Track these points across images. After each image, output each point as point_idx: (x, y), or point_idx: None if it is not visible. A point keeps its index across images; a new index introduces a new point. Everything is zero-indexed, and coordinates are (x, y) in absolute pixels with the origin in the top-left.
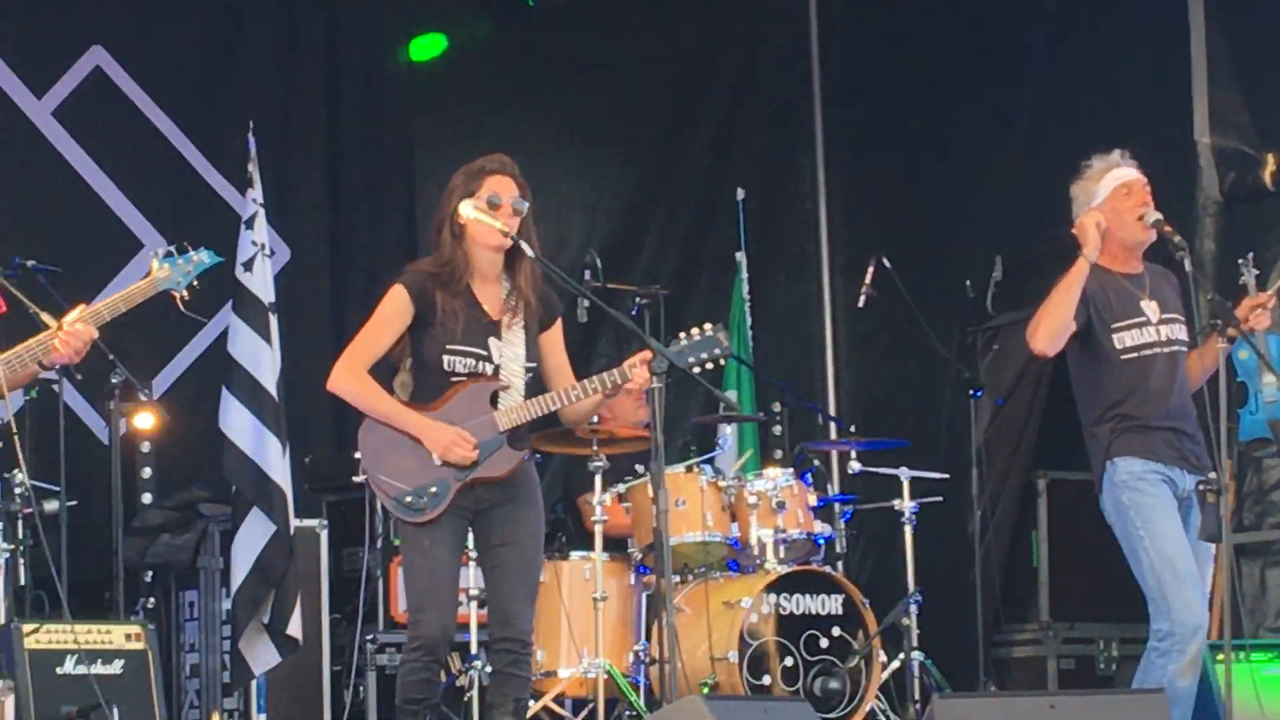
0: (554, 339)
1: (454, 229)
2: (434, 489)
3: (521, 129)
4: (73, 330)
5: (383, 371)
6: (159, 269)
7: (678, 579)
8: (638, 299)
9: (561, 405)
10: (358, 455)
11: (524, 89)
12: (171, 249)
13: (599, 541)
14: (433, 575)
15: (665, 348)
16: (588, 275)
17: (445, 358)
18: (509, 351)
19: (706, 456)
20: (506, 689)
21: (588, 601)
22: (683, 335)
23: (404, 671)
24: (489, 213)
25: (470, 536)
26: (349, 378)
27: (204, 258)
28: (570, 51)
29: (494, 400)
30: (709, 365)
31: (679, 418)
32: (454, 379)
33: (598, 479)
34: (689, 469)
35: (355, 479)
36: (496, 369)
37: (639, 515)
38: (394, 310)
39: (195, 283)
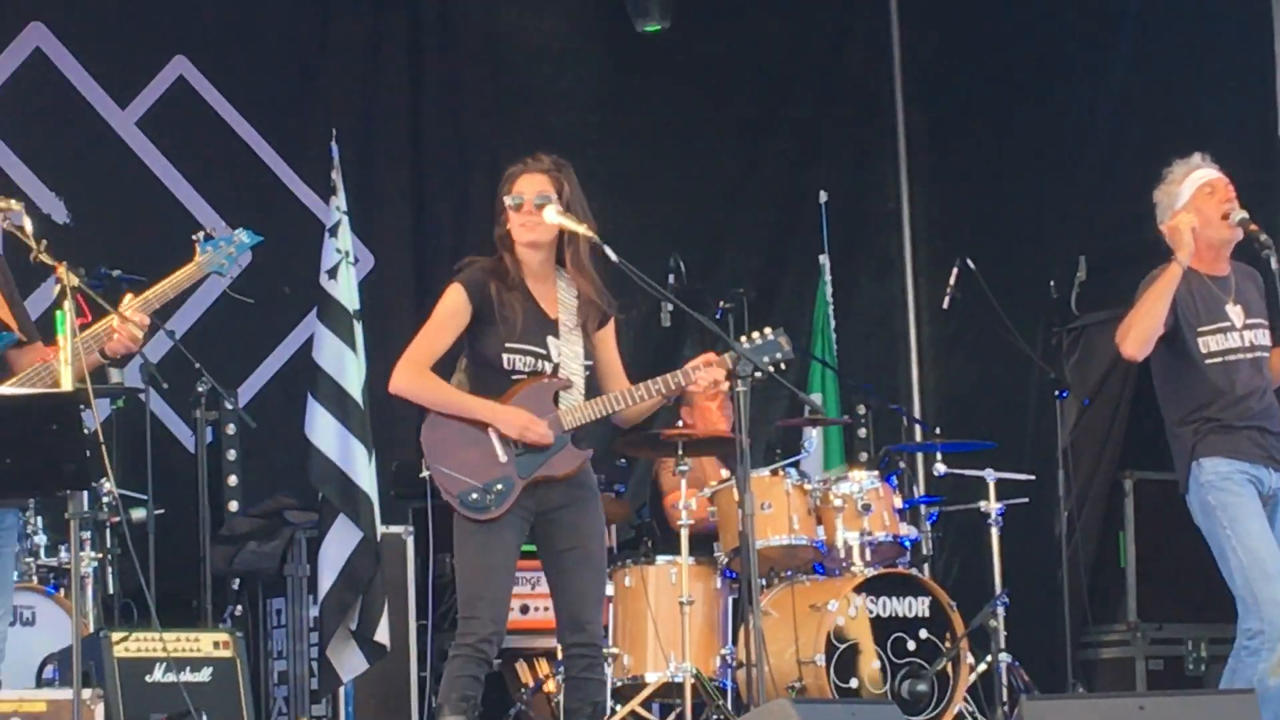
0: (607, 338)
1: (501, 230)
2: (499, 486)
3: (606, 132)
4: (124, 328)
5: (439, 373)
6: (201, 253)
7: (764, 582)
8: (721, 302)
9: (625, 405)
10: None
11: (609, 91)
12: (212, 230)
13: (685, 546)
14: (490, 573)
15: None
16: (671, 279)
17: (505, 355)
18: (568, 350)
19: (792, 460)
20: (583, 694)
21: (674, 605)
22: (744, 339)
23: (453, 668)
24: (570, 217)
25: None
26: (411, 376)
27: (244, 237)
28: (656, 55)
29: (555, 399)
30: (771, 369)
31: (763, 421)
32: (514, 377)
33: (683, 483)
34: (774, 472)
35: (421, 475)
36: (556, 367)
37: (725, 519)
38: (453, 309)
39: (237, 267)
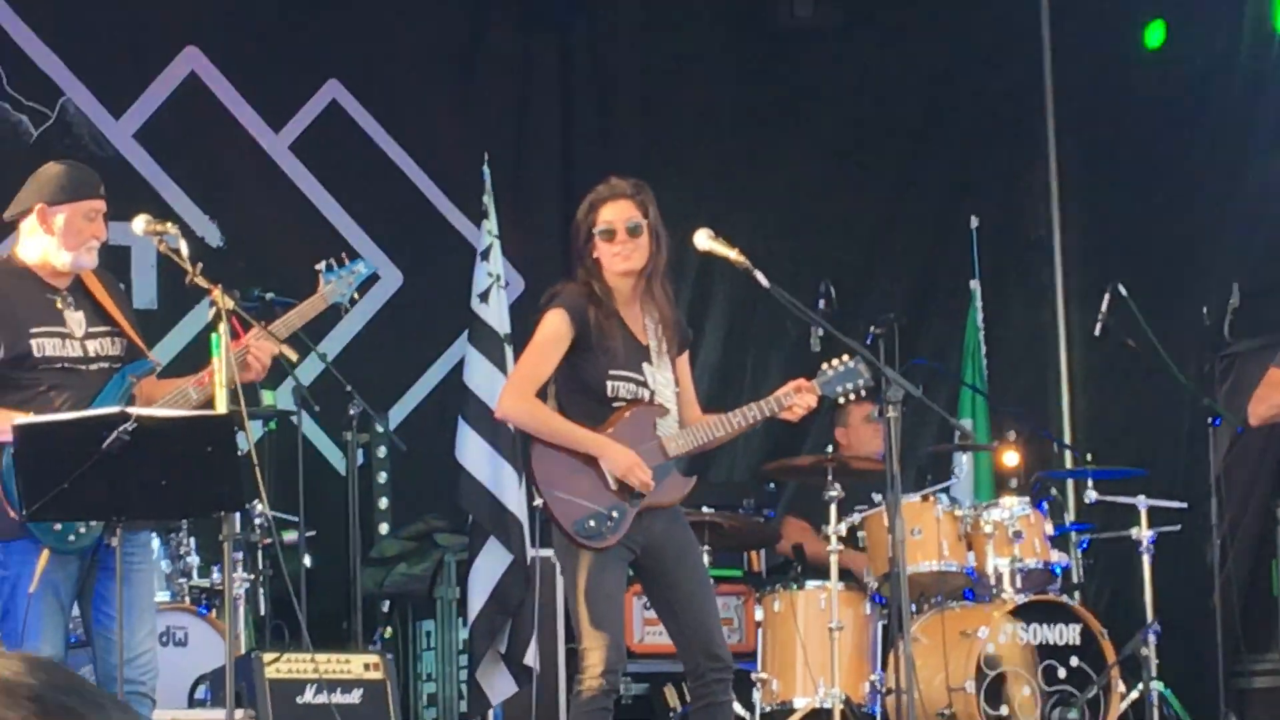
0: (685, 364)
1: (586, 258)
2: (614, 513)
3: (757, 154)
4: (259, 347)
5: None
6: (325, 284)
7: (914, 608)
8: (872, 328)
9: (726, 432)
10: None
11: (759, 116)
12: (332, 261)
13: (834, 571)
14: (608, 601)
15: (821, 378)
16: (822, 304)
17: (609, 383)
18: (660, 376)
19: (942, 486)
20: (718, 717)
21: (823, 631)
22: (825, 366)
23: (579, 703)
24: (722, 244)
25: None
26: (519, 402)
27: (361, 269)
28: (808, 79)
29: (654, 425)
30: (851, 396)
31: (913, 447)
32: (615, 404)
33: (833, 509)
34: (925, 498)
35: (534, 503)
36: (652, 393)
37: (874, 545)
38: (555, 334)
39: (356, 295)
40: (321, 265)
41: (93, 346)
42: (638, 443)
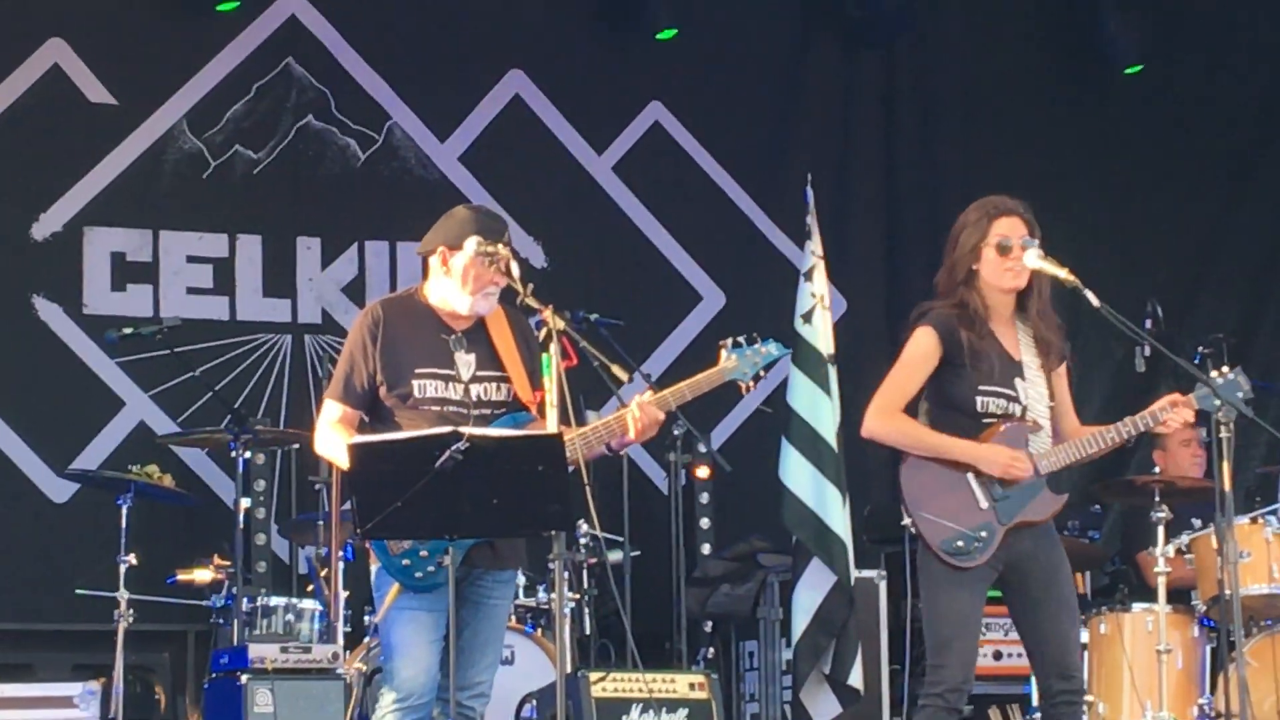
0: (1062, 378)
1: (964, 273)
2: (983, 533)
3: (1082, 173)
4: (647, 412)
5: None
6: (727, 359)
7: (1244, 632)
8: (1200, 347)
9: (1100, 448)
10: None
11: (1084, 132)
12: (741, 339)
13: (1162, 593)
14: (961, 620)
15: (1199, 393)
16: (1149, 323)
17: (979, 399)
18: (1033, 392)
19: (1271, 508)
20: None
21: (1150, 654)
22: (1202, 384)
23: (922, 718)
24: (1052, 262)
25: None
26: (886, 419)
27: (772, 350)
28: (1133, 95)
29: (1025, 442)
30: (1229, 412)
31: (1242, 467)
32: (985, 419)
33: (1160, 530)
34: (1254, 520)
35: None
36: (1024, 410)
37: (1202, 567)
38: (924, 352)
39: (762, 373)
40: (728, 341)
41: (476, 390)
42: None
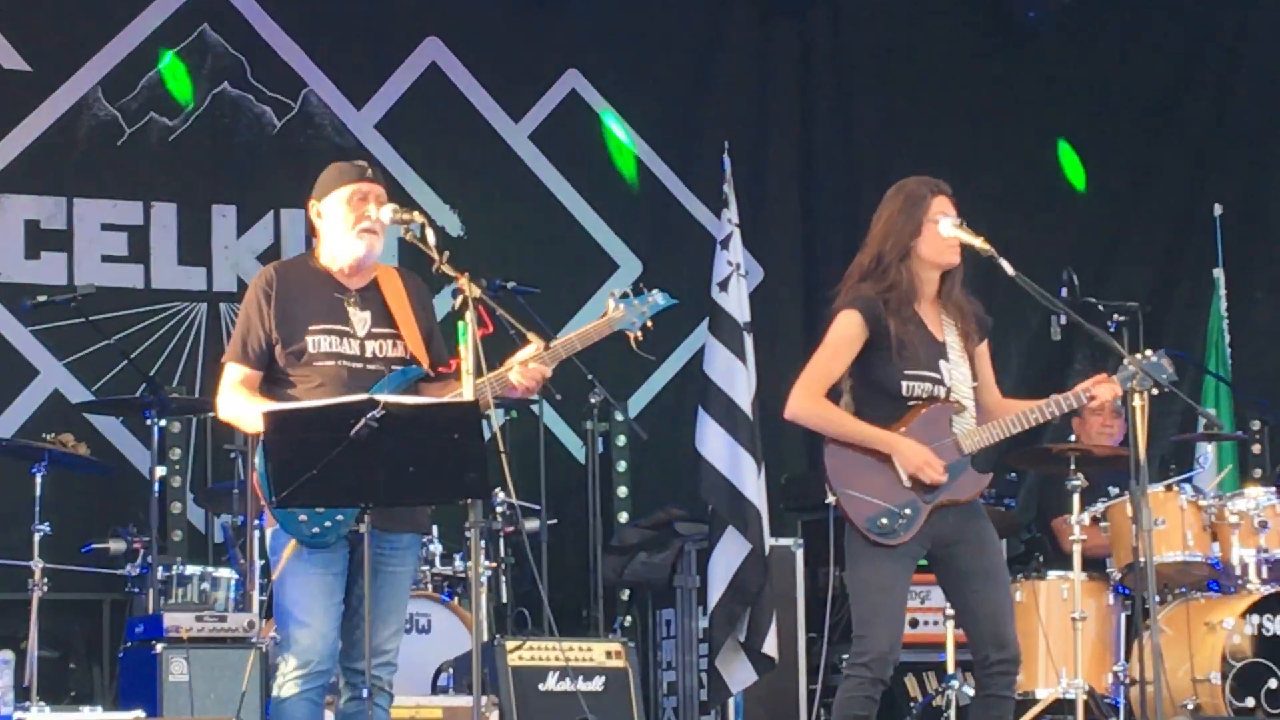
0: (984, 356)
1: (900, 251)
2: (908, 510)
3: (997, 144)
4: (530, 370)
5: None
6: (614, 309)
7: (1158, 599)
8: (1115, 316)
9: (1023, 427)
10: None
11: (999, 104)
12: (628, 290)
13: (1077, 561)
14: (886, 593)
15: (1123, 373)
16: (1064, 292)
17: (904, 383)
18: (957, 373)
19: (1185, 475)
20: (997, 711)
21: (1066, 621)
22: (1128, 360)
23: (846, 687)
24: (968, 231)
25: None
26: (809, 403)
27: (659, 299)
28: (1045, 67)
29: (949, 422)
30: (1154, 391)
31: (1156, 436)
32: (910, 402)
33: (1075, 498)
34: (1168, 488)
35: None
36: (949, 391)
37: (1117, 535)
38: (849, 335)
39: (650, 323)
40: (616, 291)
41: (372, 347)
42: (932, 440)
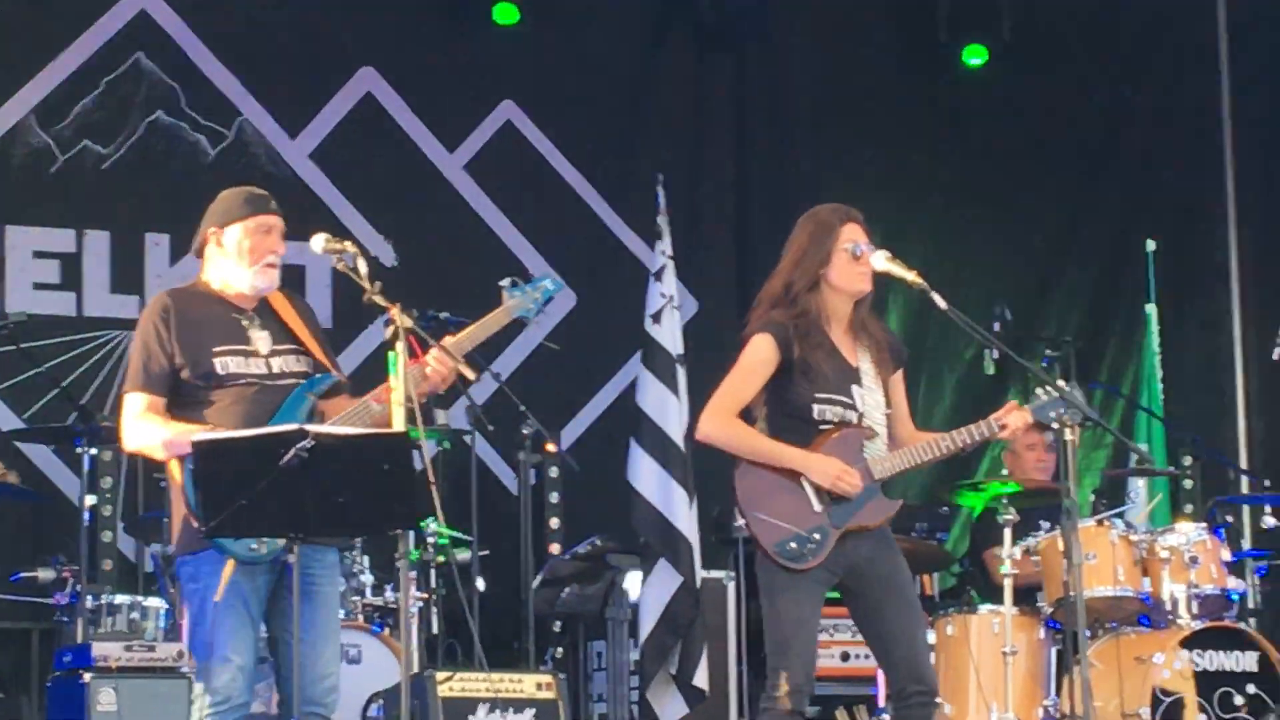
0: (899, 384)
1: (810, 279)
2: (816, 535)
3: (931, 179)
4: (441, 357)
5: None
6: (509, 299)
7: (1088, 634)
8: (1047, 350)
9: (934, 455)
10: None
11: (935, 138)
12: (517, 279)
13: (1009, 595)
14: (801, 624)
15: (1035, 403)
16: (997, 325)
17: (816, 407)
18: (870, 399)
19: (1116, 510)
20: None
21: (996, 655)
22: (1040, 391)
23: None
24: (900, 264)
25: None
26: (720, 423)
27: (548, 285)
28: (982, 102)
29: (860, 448)
30: (1066, 423)
31: (1087, 471)
32: (822, 426)
33: (1007, 532)
34: (1100, 523)
35: (737, 523)
36: (860, 416)
37: (1049, 569)
38: (761, 359)
39: (543, 310)
40: (506, 281)
41: (277, 364)
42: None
